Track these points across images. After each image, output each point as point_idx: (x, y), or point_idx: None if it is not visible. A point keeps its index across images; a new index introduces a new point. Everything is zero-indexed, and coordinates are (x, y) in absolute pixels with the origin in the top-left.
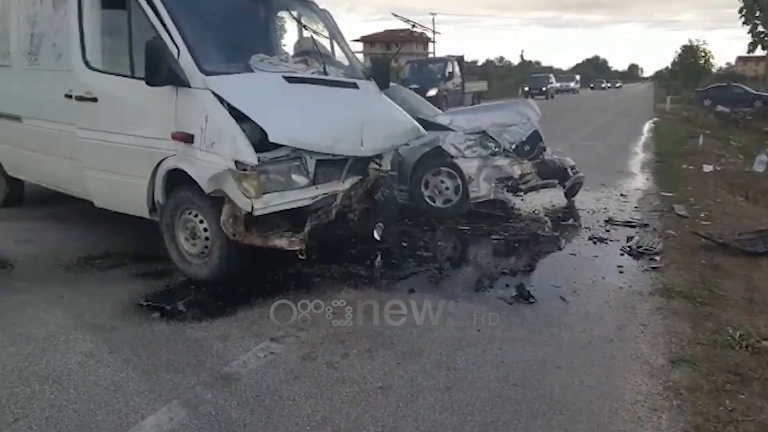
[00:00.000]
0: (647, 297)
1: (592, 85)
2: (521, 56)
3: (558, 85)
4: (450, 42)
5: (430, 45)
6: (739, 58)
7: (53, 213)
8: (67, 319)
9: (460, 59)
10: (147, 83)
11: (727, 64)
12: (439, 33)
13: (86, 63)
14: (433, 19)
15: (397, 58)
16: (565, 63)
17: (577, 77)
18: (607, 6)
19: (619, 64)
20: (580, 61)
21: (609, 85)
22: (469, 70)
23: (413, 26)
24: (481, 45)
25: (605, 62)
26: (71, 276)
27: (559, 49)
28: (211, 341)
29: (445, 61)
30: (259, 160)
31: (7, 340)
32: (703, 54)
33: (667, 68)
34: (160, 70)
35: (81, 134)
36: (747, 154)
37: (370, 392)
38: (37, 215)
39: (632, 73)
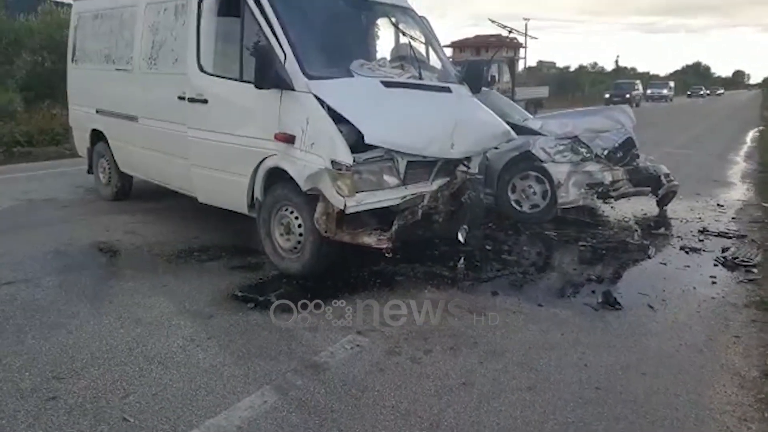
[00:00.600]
0: (741, 309)
1: (689, 92)
2: (616, 62)
3: (649, 91)
4: (543, 47)
5: (521, 50)
6: None
7: (155, 208)
8: (170, 306)
9: (510, 61)
10: (255, 86)
11: None
12: (536, 38)
13: (200, 67)
14: (526, 25)
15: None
16: (663, 69)
17: (671, 84)
18: (712, 9)
19: (723, 70)
20: (679, 67)
21: (707, 92)
22: (548, 77)
23: (510, 32)
24: (575, 51)
25: (707, 69)
26: (173, 266)
27: (658, 56)
28: (301, 332)
29: (489, 63)
30: (354, 161)
31: (118, 323)
32: None
33: None
34: (268, 74)
35: (191, 133)
36: None
37: (453, 388)
38: (141, 209)
39: (737, 79)
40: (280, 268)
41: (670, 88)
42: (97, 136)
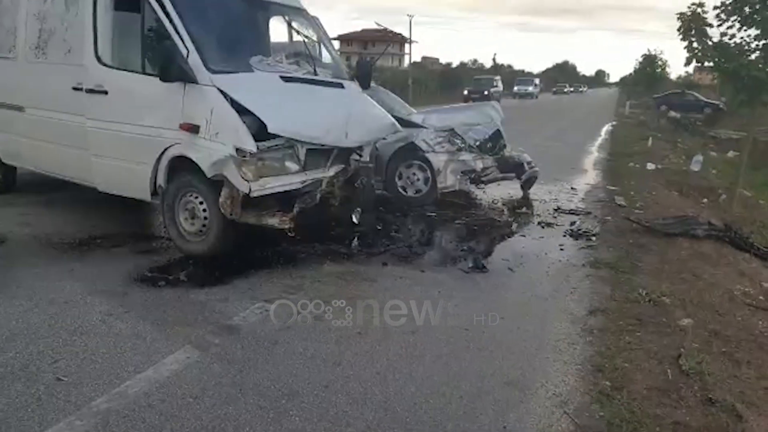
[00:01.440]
0: (580, 268)
1: (554, 90)
2: (493, 59)
3: (515, 88)
4: (427, 43)
5: (406, 46)
6: (697, 68)
7: (46, 200)
8: (81, 287)
9: None
10: (161, 79)
11: (686, 72)
12: (416, 42)
13: (98, 59)
14: (410, 22)
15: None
16: (536, 67)
17: (537, 81)
18: (578, 13)
19: (587, 69)
20: (550, 65)
21: (572, 89)
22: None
23: (391, 33)
24: (456, 47)
25: (574, 67)
26: (77, 253)
27: (532, 54)
28: (213, 303)
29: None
30: (257, 148)
31: (30, 303)
32: (660, 63)
33: (630, 75)
34: (172, 68)
35: (90, 124)
36: (689, 155)
37: (350, 336)
38: (28, 202)
39: (599, 78)
40: (184, 251)
41: (536, 85)
42: None
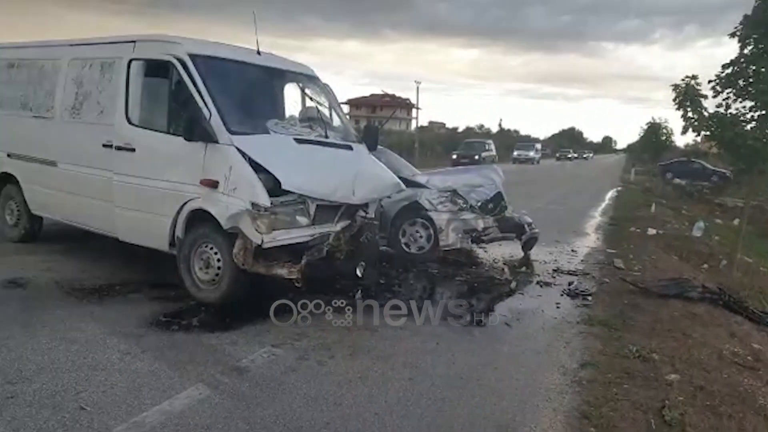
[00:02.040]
0: (575, 325)
1: (557, 155)
2: (499, 124)
3: (515, 153)
4: (433, 108)
5: (413, 111)
6: (705, 137)
7: (66, 248)
8: (101, 329)
9: None
10: (185, 138)
11: (694, 140)
12: (420, 108)
13: (128, 119)
14: (417, 88)
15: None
16: (543, 133)
17: (538, 145)
18: (584, 81)
19: (594, 136)
20: (557, 131)
21: (575, 155)
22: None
23: (400, 99)
24: (462, 112)
25: (581, 134)
26: (96, 298)
27: (538, 120)
28: (224, 346)
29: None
30: (271, 203)
31: (55, 342)
32: (664, 131)
33: (636, 142)
34: (196, 129)
35: (117, 178)
36: (693, 222)
37: (351, 380)
38: (50, 250)
39: (606, 145)
40: (197, 299)
41: (537, 149)
42: (5, 180)
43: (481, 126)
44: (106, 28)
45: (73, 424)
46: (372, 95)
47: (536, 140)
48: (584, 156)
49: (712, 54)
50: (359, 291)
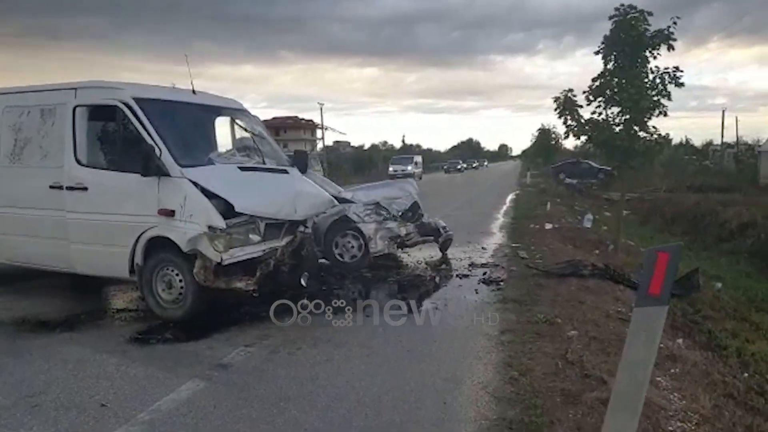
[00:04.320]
0: (492, 304)
1: (445, 167)
2: (402, 140)
3: (391, 169)
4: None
5: (318, 131)
6: (585, 139)
7: (14, 289)
8: (86, 350)
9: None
10: (142, 175)
11: (580, 143)
12: (331, 129)
13: (77, 161)
14: (321, 109)
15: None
16: (443, 145)
17: (417, 159)
18: (478, 93)
19: (491, 144)
20: (456, 143)
21: (464, 165)
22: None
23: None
24: (365, 130)
25: (478, 143)
26: (67, 327)
27: (438, 133)
28: (202, 350)
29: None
30: (226, 225)
31: (50, 363)
32: (554, 135)
33: (530, 148)
34: (150, 166)
35: (71, 216)
36: (584, 216)
37: (320, 362)
38: (1, 292)
39: (502, 152)
40: (163, 317)
41: (417, 163)
42: None
43: (385, 142)
44: None
45: (101, 416)
46: (274, 118)
47: (436, 153)
48: (474, 165)
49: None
50: (305, 298)
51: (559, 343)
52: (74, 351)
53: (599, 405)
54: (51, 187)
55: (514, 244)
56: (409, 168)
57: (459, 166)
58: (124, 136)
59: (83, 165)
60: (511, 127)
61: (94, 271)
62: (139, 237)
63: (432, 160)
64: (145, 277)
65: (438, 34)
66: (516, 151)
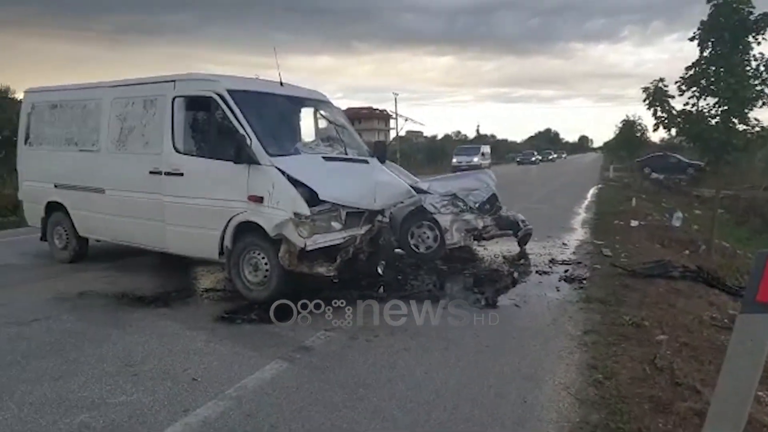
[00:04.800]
0: (574, 303)
1: (518, 158)
2: (477, 130)
3: (455, 160)
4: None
5: (392, 121)
6: (676, 131)
7: (115, 266)
8: (178, 325)
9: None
10: (234, 162)
11: (669, 135)
12: (402, 116)
13: (175, 148)
14: (396, 99)
15: (360, 133)
16: (519, 136)
17: (485, 149)
18: (557, 82)
19: (570, 136)
20: (533, 133)
21: (539, 157)
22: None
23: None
24: (439, 120)
25: (557, 134)
26: (161, 303)
27: (514, 123)
28: (286, 332)
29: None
30: (310, 212)
31: (146, 336)
32: (639, 127)
33: (612, 140)
34: (242, 154)
35: (167, 199)
36: (672, 213)
37: (398, 351)
38: (101, 267)
39: (582, 144)
40: (249, 298)
41: (484, 154)
42: (52, 208)
43: (458, 132)
44: (78, 56)
45: (193, 390)
46: (349, 108)
47: (512, 143)
48: (551, 157)
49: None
50: (381, 287)
51: (646, 347)
52: (168, 326)
53: (693, 416)
54: (151, 172)
55: (597, 241)
56: (475, 159)
57: (534, 158)
58: (217, 125)
59: (180, 152)
60: (592, 117)
61: (187, 251)
62: (229, 221)
63: (508, 150)
64: (233, 259)
65: (515, 21)
66: (597, 143)
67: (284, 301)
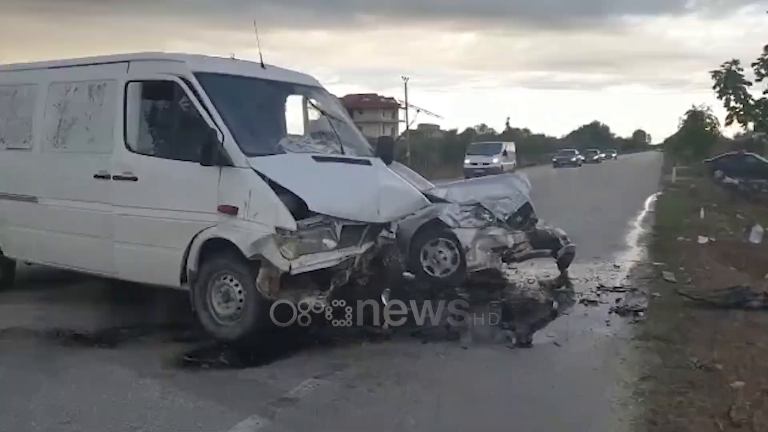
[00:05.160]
0: (629, 341)
1: (555, 159)
2: (507, 123)
3: (468, 162)
4: (425, 107)
5: (401, 112)
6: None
7: (48, 296)
8: (128, 371)
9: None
10: (201, 164)
11: (746, 130)
12: (418, 109)
13: (127, 146)
14: (405, 85)
15: (361, 127)
16: (559, 130)
17: (508, 147)
18: (608, 64)
19: (623, 130)
20: (576, 127)
21: (581, 158)
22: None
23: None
24: (459, 110)
25: (606, 129)
26: (107, 343)
27: (553, 115)
28: (263, 380)
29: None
30: (297, 226)
31: (87, 386)
32: (709, 120)
33: (675, 135)
34: (212, 153)
35: (117, 211)
36: (750, 227)
37: (407, 404)
38: (33, 298)
39: (638, 140)
40: (218, 336)
41: (508, 153)
42: None
43: (483, 126)
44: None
45: None
46: (347, 96)
47: (551, 139)
48: (595, 158)
49: (758, 22)
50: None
51: (719, 396)
52: (115, 372)
53: None
54: (96, 176)
55: (656, 263)
56: (495, 160)
57: (575, 158)
58: (182, 117)
59: (134, 151)
60: (650, 108)
61: (140, 277)
62: (194, 238)
63: (547, 149)
64: (199, 286)
65: None
66: (656, 139)
67: (263, 340)
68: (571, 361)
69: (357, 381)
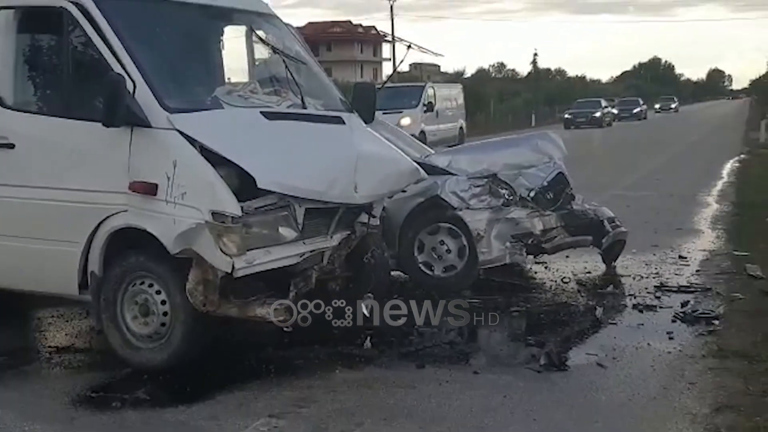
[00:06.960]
0: (699, 359)
1: (568, 115)
2: (533, 62)
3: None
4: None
5: (385, 48)
6: None
7: None
8: (9, 414)
9: None
10: (104, 124)
11: None
12: (402, 40)
13: None
14: (392, 9)
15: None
16: (606, 71)
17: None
18: None
19: (692, 70)
20: (630, 67)
21: (614, 111)
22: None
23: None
24: (469, 46)
25: (671, 67)
26: None
27: (595, 49)
28: (200, 422)
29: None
30: (242, 210)
31: None
32: None
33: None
34: (118, 109)
35: None
36: None
37: None
38: None
39: (714, 83)
40: (133, 363)
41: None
42: None
43: (502, 66)
44: None
45: None
46: (309, 24)
47: (595, 83)
48: (635, 111)
49: None
50: (368, 338)
51: None
52: (4, 417)
53: None
54: None
55: (737, 252)
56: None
57: (599, 112)
58: (75, 59)
59: (8, 107)
60: (730, 39)
61: (21, 283)
62: (96, 229)
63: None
64: (104, 296)
65: None
66: (739, 82)
67: (197, 367)
68: (620, 389)
69: (328, 421)
